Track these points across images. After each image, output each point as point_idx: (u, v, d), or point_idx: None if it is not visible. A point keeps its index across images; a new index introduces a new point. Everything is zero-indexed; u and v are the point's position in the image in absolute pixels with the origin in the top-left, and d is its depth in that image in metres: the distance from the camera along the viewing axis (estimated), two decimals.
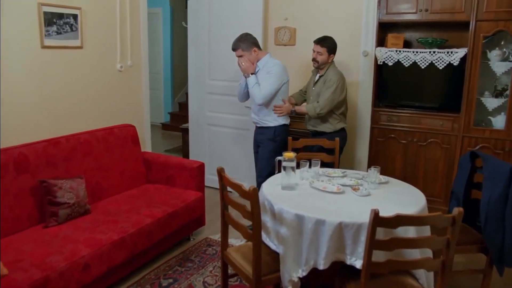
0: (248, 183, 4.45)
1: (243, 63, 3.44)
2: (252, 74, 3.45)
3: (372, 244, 1.82)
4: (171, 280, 2.94)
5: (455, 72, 3.59)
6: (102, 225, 2.78)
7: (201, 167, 3.59)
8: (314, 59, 3.56)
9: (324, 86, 3.51)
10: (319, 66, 3.57)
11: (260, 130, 3.64)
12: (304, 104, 3.72)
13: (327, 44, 3.49)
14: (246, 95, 3.67)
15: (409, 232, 2.09)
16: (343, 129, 3.66)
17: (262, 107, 3.50)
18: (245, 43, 3.43)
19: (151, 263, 3.15)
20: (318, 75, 3.63)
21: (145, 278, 2.97)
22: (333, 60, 3.58)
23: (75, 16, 3.22)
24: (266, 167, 3.55)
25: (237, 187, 2.20)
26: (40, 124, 3.10)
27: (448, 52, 3.56)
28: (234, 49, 3.48)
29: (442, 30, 3.80)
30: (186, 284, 2.91)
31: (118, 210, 3.02)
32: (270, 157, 3.45)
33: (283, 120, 3.56)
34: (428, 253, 2.18)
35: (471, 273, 2.90)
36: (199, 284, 2.92)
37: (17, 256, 2.35)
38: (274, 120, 3.54)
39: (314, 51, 3.54)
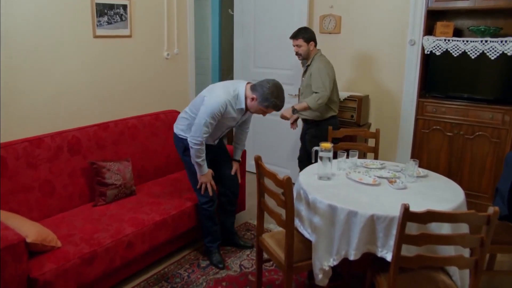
0: (290, 171, 4.52)
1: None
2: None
3: (402, 238, 1.82)
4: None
5: (510, 62, 3.40)
6: (145, 206, 2.94)
7: (242, 154, 3.67)
8: (296, 53, 3.61)
9: (311, 76, 3.50)
10: (304, 58, 3.61)
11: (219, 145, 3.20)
12: (304, 100, 3.56)
13: (302, 34, 3.51)
14: None
15: (443, 228, 2.06)
16: (333, 117, 3.66)
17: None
18: None
19: (192, 244, 3.30)
20: (306, 65, 3.65)
21: (185, 258, 3.11)
22: (319, 49, 3.61)
23: (124, 7, 3.38)
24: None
25: (272, 176, 2.25)
26: (91, 109, 3.31)
27: (502, 41, 3.38)
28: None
29: (497, 18, 3.60)
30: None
31: (162, 193, 3.18)
32: None
33: None
34: (464, 250, 2.13)
35: None
36: (236, 266, 3.03)
37: (69, 231, 2.55)
38: None
39: (294, 47, 3.58)
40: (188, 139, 2.78)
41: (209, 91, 2.84)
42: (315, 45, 3.57)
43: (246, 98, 2.77)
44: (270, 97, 2.67)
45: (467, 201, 2.43)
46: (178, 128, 3.00)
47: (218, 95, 2.73)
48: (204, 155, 2.83)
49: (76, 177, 2.95)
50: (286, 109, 3.52)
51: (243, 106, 2.78)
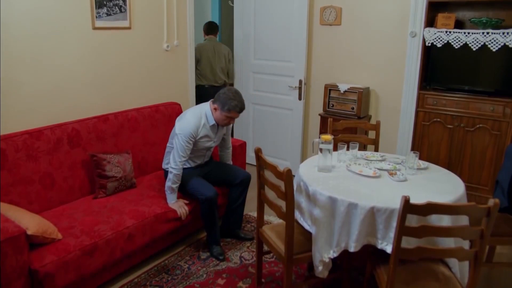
0: (290, 163, 4.52)
1: None
2: None
3: (402, 230, 1.82)
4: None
5: (511, 54, 3.38)
6: (146, 198, 2.95)
7: (242, 146, 3.68)
8: None
9: None
10: None
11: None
12: None
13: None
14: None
15: (443, 220, 2.06)
16: (199, 85, 4.72)
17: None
18: None
19: (192, 236, 3.31)
20: None
21: (185, 250, 3.12)
22: (206, 38, 4.97)
23: None
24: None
25: (272, 168, 2.25)
26: (91, 102, 3.29)
27: (503, 33, 3.36)
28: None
29: (498, 9, 3.57)
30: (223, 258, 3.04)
31: (162, 185, 3.17)
32: None
33: None
34: (464, 242, 2.14)
35: None
36: (236, 258, 3.04)
37: (69, 223, 2.56)
38: None
39: None
40: (169, 166, 2.94)
41: (179, 119, 3.01)
42: (205, 35, 4.98)
43: (212, 113, 2.98)
44: (228, 100, 2.88)
45: (467, 193, 2.43)
46: (165, 163, 3.15)
47: (187, 120, 2.93)
48: (179, 182, 2.96)
49: (76, 169, 2.95)
50: None
51: (214, 121, 2.98)
